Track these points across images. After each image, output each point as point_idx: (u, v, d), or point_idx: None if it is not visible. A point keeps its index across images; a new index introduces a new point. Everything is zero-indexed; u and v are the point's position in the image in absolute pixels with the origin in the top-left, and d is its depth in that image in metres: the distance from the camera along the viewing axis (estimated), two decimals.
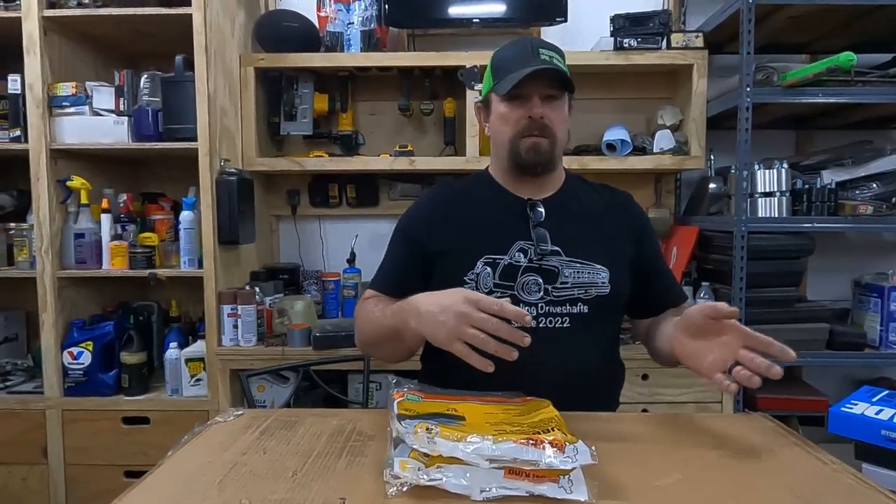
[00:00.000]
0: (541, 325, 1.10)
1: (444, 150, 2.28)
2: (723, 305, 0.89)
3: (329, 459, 0.82)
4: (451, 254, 1.15)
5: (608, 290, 1.12)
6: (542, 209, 1.16)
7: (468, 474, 0.70)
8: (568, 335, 1.11)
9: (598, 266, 1.13)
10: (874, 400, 1.00)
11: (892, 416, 0.94)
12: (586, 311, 1.11)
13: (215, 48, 1.91)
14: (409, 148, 2.19)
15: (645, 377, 1.89)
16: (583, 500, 0.69)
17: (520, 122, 1.13)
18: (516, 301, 1.09)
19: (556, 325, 1.10)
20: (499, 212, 1.18)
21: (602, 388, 1.19)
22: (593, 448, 0.71)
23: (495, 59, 1.18)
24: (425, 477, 0.70)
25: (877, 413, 0.95)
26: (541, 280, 1.10)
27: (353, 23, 2.16)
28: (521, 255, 1.12)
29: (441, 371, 1.12)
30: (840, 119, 2.20)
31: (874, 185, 2.01)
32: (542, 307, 1.10)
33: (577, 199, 1.21)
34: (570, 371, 1.09)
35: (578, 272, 1.12)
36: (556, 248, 1.12)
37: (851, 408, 0.99)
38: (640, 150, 2.16)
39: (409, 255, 1.19)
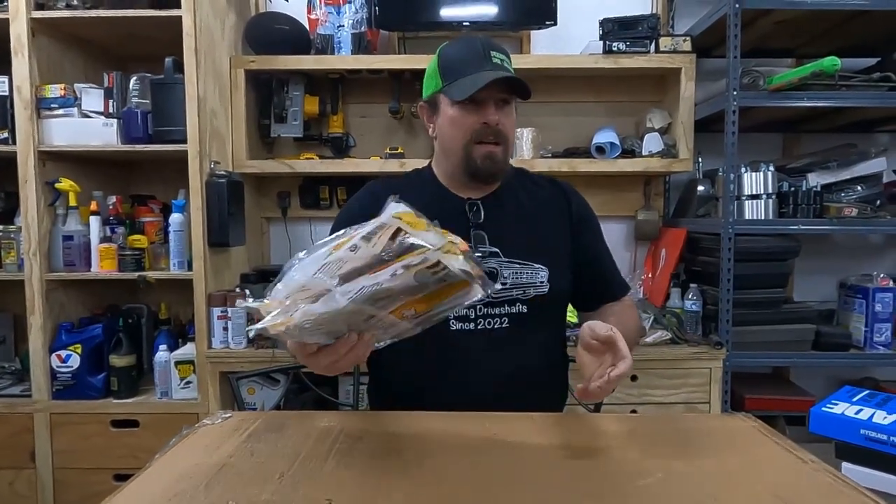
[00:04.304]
0: (479, 327, 1.09)
1: None
2: (599, 327, 0.87)
3: (316, 461, 0.82)
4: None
5: (546, 290, 1.12)
6: (480, 210, 1.15)
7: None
8: (507, 335, 1.10)
9: (537, 265, 1.12)
10: (854, 400, 1.02)
11: (872, 416, 0.95)
12: (525, 310, 1.11)
13: (205, 50, 1.91)
14: (400, 150, 2.20)
15: (634, 378, 1.90)
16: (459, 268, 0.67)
17: (474, 127, 1.10)
18: None
19: (495, 326, 1.10)
20: (437, 212, 1.15)
21: (545, 387, 1.18)
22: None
23: (444, 59, 1.13)
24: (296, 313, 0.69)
25: (856, 413, 0.97)
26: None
27: (343, 25, 2.16)
28: None
29: (388, 379, 1.14)
30: (825, 123, 2.23)
31: (859, 188, 2.04)
32: (480, 308, 1.09)
33: (515, 196, 1.20)
34: (511, 371, 1.09)
35: (517, 273, 1.11)
36: (495, 249, 1.12)
37: (832, 408, 1.00)
38: (629, 153, 2.18)
39: None
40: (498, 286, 0.74)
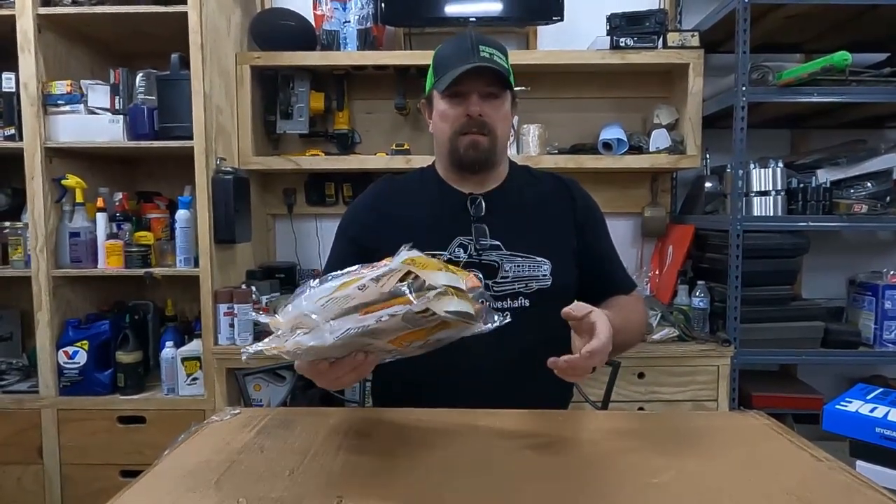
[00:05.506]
0: None
1: None
2: (575, 308, 0.89)
3: (326, 458, 0.81)
4: (390, 252, 1.14)
5: (549, 283, 1.12)
6: (482, 204, 1.16)
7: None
8: (510, 330, 1.09)
9: (540, 259, 1.13)
10: (868, 398, 1.01)
11: (887, 414, 0.94)
12: (528, 304, 1.11)
13: (211, 46, 1.90)
14: (406, 146, 2.20)
15: (641, 376, 1.89)
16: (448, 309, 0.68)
17: (459, 119, 1.13)
18: None
19: None
20: (440, 207, 1.18)
21: (549, 382, 1.17)
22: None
23: (436, 56, 1.18)
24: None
25: (871, 411, 0.96)
26: (481, 275, 1.10)
27: (349, 21, 2.16)
28: (461, 250, 1.12)
29: (391, 377, 1.14)
30: (835, 118, 2.21)
31: (868, 184, 2.02)
32: None
33: (519, 192, 1.21)
34: (514, 366, 1.09)
35: (519, 266, 1.12)
36: (497, 243, 1.13)
37: (846, 405, 0.99)
38: (636, 150, 2.16)
39: (351, 254, 1.18)
40: (497, 319, 0.76)
